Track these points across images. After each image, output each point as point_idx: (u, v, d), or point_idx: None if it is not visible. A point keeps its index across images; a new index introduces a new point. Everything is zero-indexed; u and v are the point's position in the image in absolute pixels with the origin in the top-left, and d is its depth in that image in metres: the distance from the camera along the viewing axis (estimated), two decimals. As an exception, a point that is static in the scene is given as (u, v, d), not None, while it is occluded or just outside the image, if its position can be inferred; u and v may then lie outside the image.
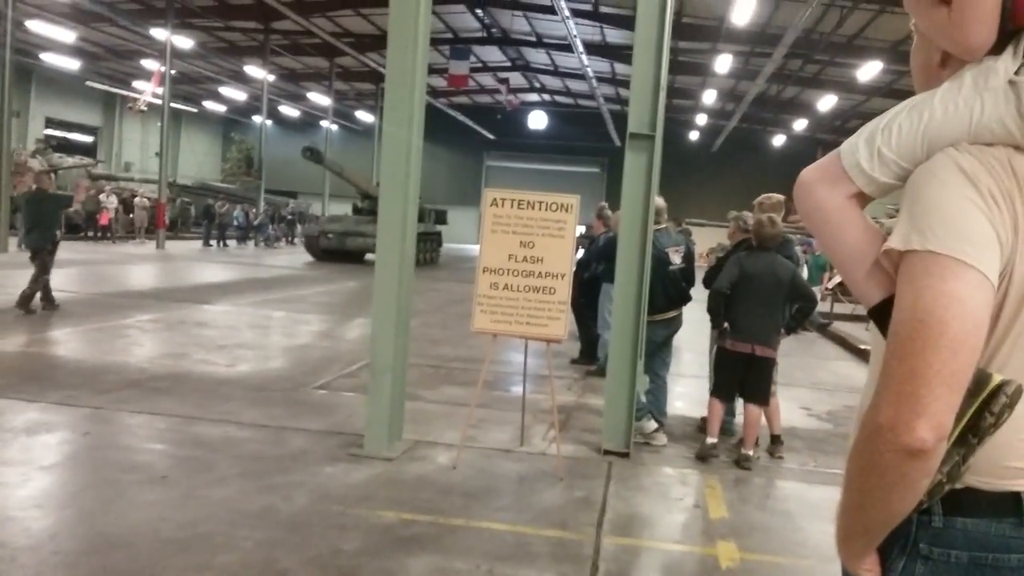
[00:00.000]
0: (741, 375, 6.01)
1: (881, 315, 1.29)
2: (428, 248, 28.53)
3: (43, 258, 11.21)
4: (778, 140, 44.18)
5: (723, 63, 28.38)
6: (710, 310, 6.19)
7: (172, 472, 5.08)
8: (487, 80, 42.68)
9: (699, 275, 6.99)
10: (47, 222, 11.35)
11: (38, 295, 11.28)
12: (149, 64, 36.28)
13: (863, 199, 1.37)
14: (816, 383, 9.72)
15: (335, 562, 3.90)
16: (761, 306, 5.92)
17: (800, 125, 40.07)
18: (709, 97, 36.81)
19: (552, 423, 6.20)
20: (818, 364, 11.43)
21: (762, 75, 27.67)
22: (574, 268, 9.80)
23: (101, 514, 4.33)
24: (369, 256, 24.57)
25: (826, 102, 33.00)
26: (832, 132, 38.89)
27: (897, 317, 1.19)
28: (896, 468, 1.16)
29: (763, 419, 6.15)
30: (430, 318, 13.43)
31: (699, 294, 6.87)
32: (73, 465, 5.18)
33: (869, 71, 26.11)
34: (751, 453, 5.97)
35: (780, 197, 6.59)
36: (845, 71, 28.99)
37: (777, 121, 41.96)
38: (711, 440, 6.09)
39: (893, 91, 28.78)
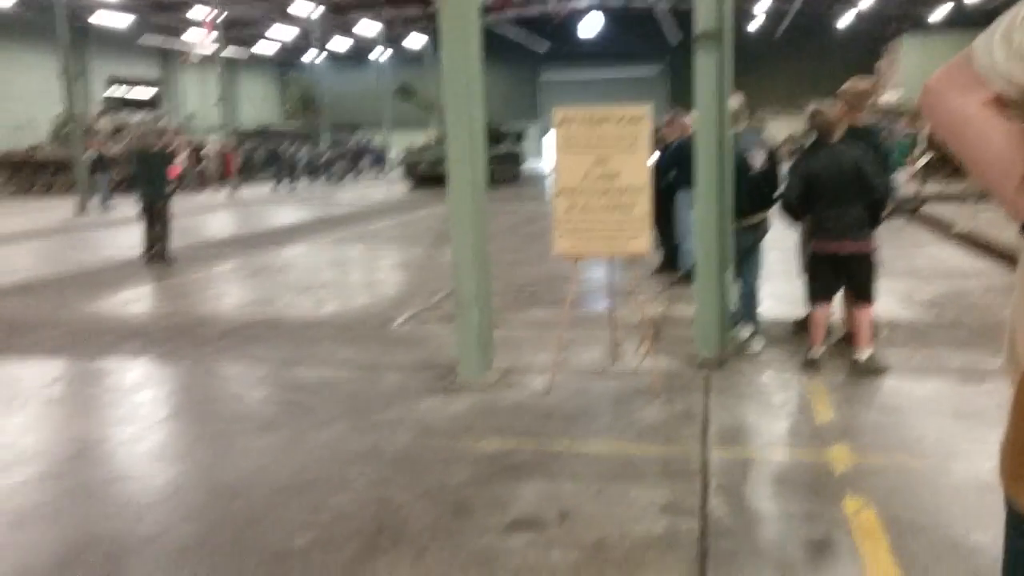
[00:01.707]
0: (836, 276, 5.78)
1: None
2: (509, 167, 31.07)
3: (159, 210, 11.86)
4: (844, 21, 42.08)
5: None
6: (787, 216, 5.95)
7: (277, 418, 5.20)
8: (535, -10, 41.48)
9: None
10: (156, 176, 11.97)
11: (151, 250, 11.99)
12: (198, 13, 36.29)
13: (1004, 104, 1.21)
14: (913, 270, 9.39)
15: (446, 494, 3.96)
16: (834, 203, 5.62)
17: (866, 2, 38.00)
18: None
19: (643, 337, 6.13)
20: (913, 250, 11.03)
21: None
22: (652, 175, 9.61)
23: (216, 465, 4.47)
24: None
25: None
26: (901, 5, 36.86)
27: None
28: None
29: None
30: (504, 241, 13.39)
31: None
32: (183, 418, 5.35)
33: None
34: (864, 356, 5.72)
35: (866, 85, 6.23)
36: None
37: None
38: (816, 351, 5.87)
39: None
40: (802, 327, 6.73)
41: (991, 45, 1.20)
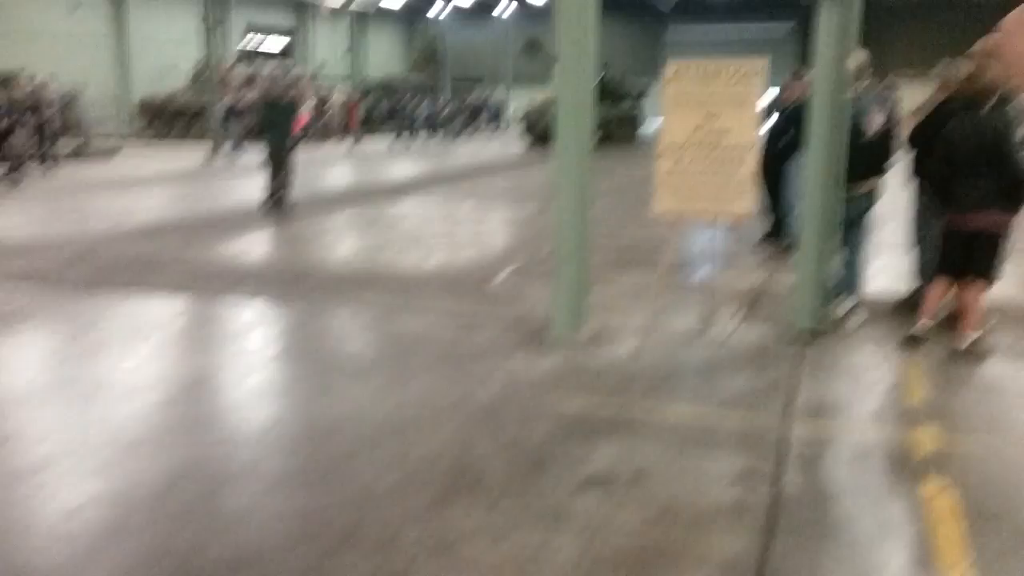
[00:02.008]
0: (964, 251, 5.48)
1: None
2: (627, 128, 30.95)
3: (283, 159, 12.23)
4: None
5: None
6: (932, 186, 5.67)
7: (375, 364, 5.44)
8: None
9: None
10: (281, 125, 12.38)
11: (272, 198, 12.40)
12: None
13: None
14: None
15: (527, 448, 4.06)
16: (967, 175, 5.32)
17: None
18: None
19: (739, 306, 6.04)
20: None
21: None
22: (768, 137, 9.33)
23: (315, 404, 4.72)
24: None
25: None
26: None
27: None
28: None
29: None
30: (612, 202, 13.31)
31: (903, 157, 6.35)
32: (289, 359, 5.65)
33: None
34: (967, 342, 5.44)
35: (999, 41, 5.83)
36: None
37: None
38: (924, 326, 5.63)
39: None
40: (907, 304, 6.48)
41: None
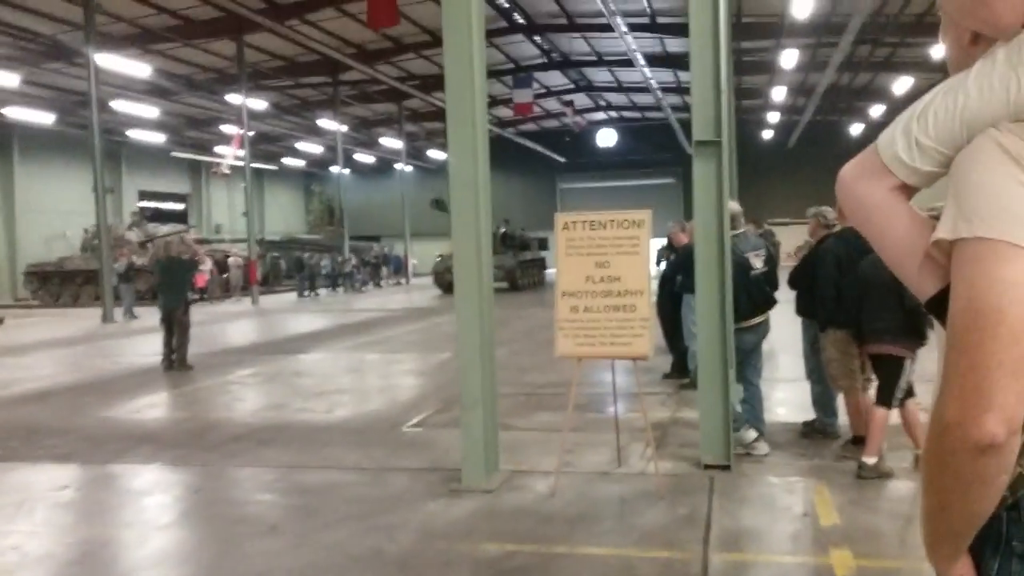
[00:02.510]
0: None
1: (939, 307, 1.24)
2: (533, 273, 32.44)
3: (179, 318, 12.09)
4: (856, 129, 42.94)
5: (789, 58, 27.81)
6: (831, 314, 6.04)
7: (282, 521, 5.22)
8: (552, 104, 42.92)
9: (783, 277, 6.85)
10: (179, 285, 12.37)
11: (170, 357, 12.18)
12: (228, 129, 37.73)
13: (907, 191, 1.33)
14: (926, 375, 9.33)
15: (443, 598, 3.94)
16: (879, 306, 5.62)
17: (877, 111, 38.90)
18: (779, 94, 36.08)
19: (648, 441, 6.14)
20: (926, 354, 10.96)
21: (831, 65, 26.98)
22: (659, 282, 9.80)
23: (218, 568, 4.49)
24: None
25: (902, 84, 31.97)
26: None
27: (953, 308, 1.15)
28: (970, 466, 1.11)
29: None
30: (516, 346, 13.49)
31: (783, 295, 6.73)
32: (188, 522, 5.38)
33: (943, 47, 25.13)
34: (870, 460, 5.62)
35: None
36: (918, 50, 28.10)
37: (852, 110, 40.87)
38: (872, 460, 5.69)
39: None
40: (807, 432, 6.73)
41: (893, 138, 1.32)
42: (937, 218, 1.24)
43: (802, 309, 6.67)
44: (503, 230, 31.63)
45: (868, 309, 5.65)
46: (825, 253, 6.25)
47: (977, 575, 1.25)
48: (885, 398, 5.62)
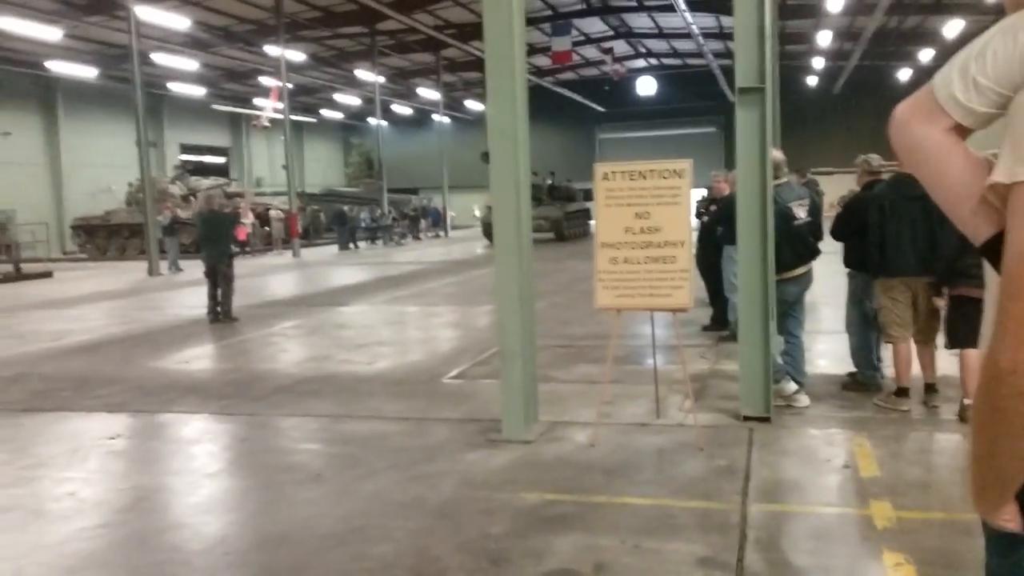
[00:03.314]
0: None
1: (993, 251, 1.22)
2: (578, 224, 32.75)
3: (223, 271, 12.28)
4: (904, 75, 41.74)
5: (836, 0, 27.02)
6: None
7: (325, 470, 5.34)
8: (591, 52, 42.31)
9: (827, 226, 6.74)
10: (222, 239, 12.53)
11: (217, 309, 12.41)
12: (267, 81, 37.83)
13: (963, 132, 1.29)
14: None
15: (484, 546, 4.01)
16: (971, 250, 5.45)
17: (927, 56, 37.67)
18: (824, 39, 35.07)
19: (687, 393, 6.13)
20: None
21: (879, 7, 26.18)
22: (700, 233, 9.70)
23: (264, 515, 4.61)
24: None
25: (952, 27, 30.85)
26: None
27: (1009, 254, 1.13)
28: (1022, 413, 1.10)
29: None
30: (557, 298, 13.50)
31: (828, 247, 6.63)
32: (235, 470, 5.52)
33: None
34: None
35: None
36: (971, -10, 27.09)
37: (901, 55, 39.65)
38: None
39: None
40: (848, 385, 6.67)
41: (950, 77, 1.28)
42: (993, 162, 1.21)
43: (848, 259, 6.54)
44: (549, 182, 31.90)
45: (962, 251, 5.45)
46: (870, 200, 6.13)
47: (1023, 521, 1.25)
48: (974, 340, 5.52)
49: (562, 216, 30.96)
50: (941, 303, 5.78)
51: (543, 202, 30.54)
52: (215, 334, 11.43)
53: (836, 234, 6.56)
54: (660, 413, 6.17)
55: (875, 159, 6.51)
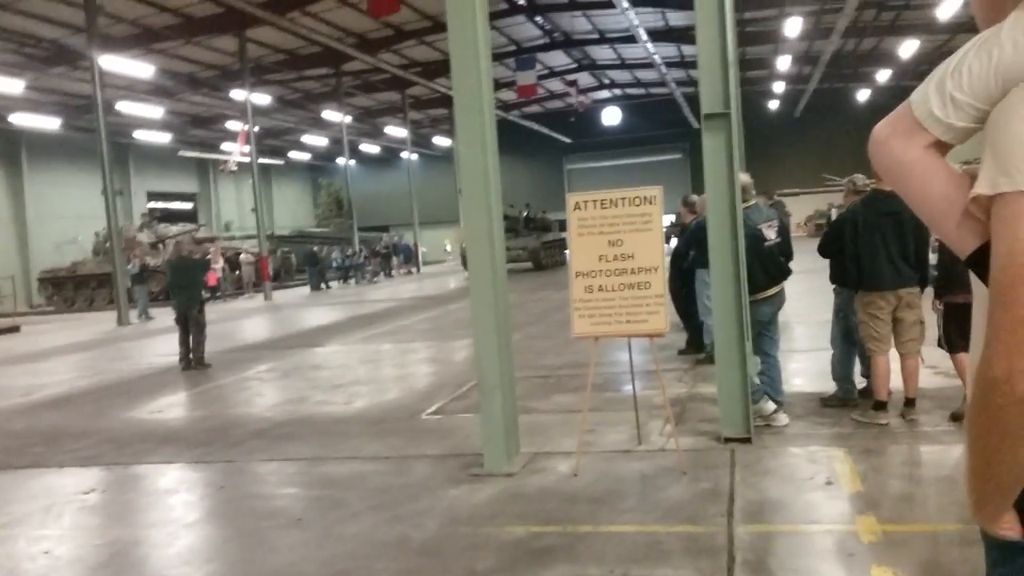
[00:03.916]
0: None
1: (979, 263, 1.23)
2: (555, 253, 33.12)
3: (195, 317, 12.18)
4: (863, 95, 42.59)
5: (793, 26, 27.60)
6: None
7: (306, 514, 5.25)
8: (556, 85, 42.80)
9: (807, 246, 6.80)
10: (193, 285, 12.44)
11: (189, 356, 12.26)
12: (233, 125, 37.78)
13: (942, 148, 1.31)
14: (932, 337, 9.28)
15: (471, 583, 3.96)
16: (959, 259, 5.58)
17: (884, 76, 38.53)
18: (784, 63, 35.79)
19: (667, 417, 6.13)
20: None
21: (836, 31, 26.78)
22: (668, 259, 9.78)
23: (246, 563, 4.52)
24: (508, 266, 27.34)
25: (908, 48, 31.63)
26: (918, 78, 37.11)
27: (996, 265, 1.14)
28: (1019, 421, 1.11)
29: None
30: (532, 329, 13.50)
31: (800, 266, 6.69)
32: (214, 519, 5.42)
33: (949, 8, 24.91)
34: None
35: None
36: (923, 12, 27.77)
37: (859, 76, 40.51)
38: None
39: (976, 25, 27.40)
40: (828, 402, 6.72)
41: (927, 94, 1.30)
42: (974, 175, 1.23)
43: (833, 275, 6.62)
44: (525, 213, 32.52)
45: (955, 259, 5.50)
46: (846, 218, 6.24)
47: (1022, 528, 1.25)
48: (966, 344, 5.56)
49: (539, 246, 31.83)
50: (938, 309, 5.96)
51: (520, 233, 31.46)
52: (188, 381, 11.28)
53: (822, 251, 6.63)
54: (641, 439, 6.16)
55: (860, 178, 6.62)
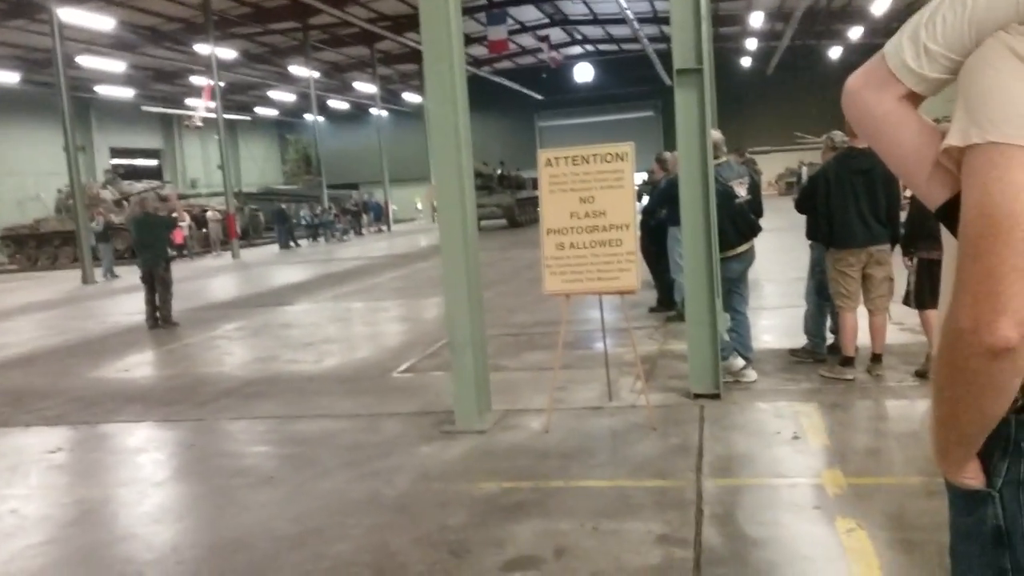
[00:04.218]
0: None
1: (949, 215, 1.23)
2: (530, 210, 32.30)
3: (161, 275, 12.03)
4: (835, 53, 42.58)
5: (765, -19, 27.44)
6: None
7: (278, 471, 5.24)
8: (527, 41, 42.30)
9: (777, 203, 6.83)
10: (158, 242, 12.26)
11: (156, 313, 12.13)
12: (198, 80, 37.02)
13: (915, 99, 1.30)
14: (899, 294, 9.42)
15: (444, 537, 3.98)
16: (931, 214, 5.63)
17: (856, 33, 38.46)
18: (756, 19, 35.60)
19: (637, 374, 6.18)
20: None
21: (808, -13, 26.64)
22: (640, 217, 9.77)
23: (217, 520, 4.51)
24: (483, 223, 29.95)
25: (880, 4, 31.55)
26: (890, 35, 37.03)
27: (966, 216, 1.14)
28: (984, 371, 1.12)
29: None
30: (503, 287, 13.50)
31: (770, 223, 6.72)
32: (184, 477, 5.39)
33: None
34: None
35: None
36: (896, -32, 27.75)
37: (831, 33, 40.47)
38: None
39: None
40: (802, 352, 6.80)
41: (901, 45, 1.28)
42: (945, 129, 1.22)
43: (809, 231, 6.65)
44: (499, 171, 32.48)
45: (927, 215, 5.53)
46: (819, 175, 6.25)
47: (985, 478, 1.27)
48: (935, 301, 5.62)
49: (514, 203, 31.91)
50: (909, 265, 5.98)
51: (494, 190, 31.48)
52: (155, 340, 11.16)
53: (799, 206, 6.65)
54: (612, 396, 6.20)
55: (838, 135, 6.60)
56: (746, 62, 44.93)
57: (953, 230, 1.20)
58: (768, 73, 44.90)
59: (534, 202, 33.81)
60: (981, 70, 1.17)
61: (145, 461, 5.78)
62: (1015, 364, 1.11)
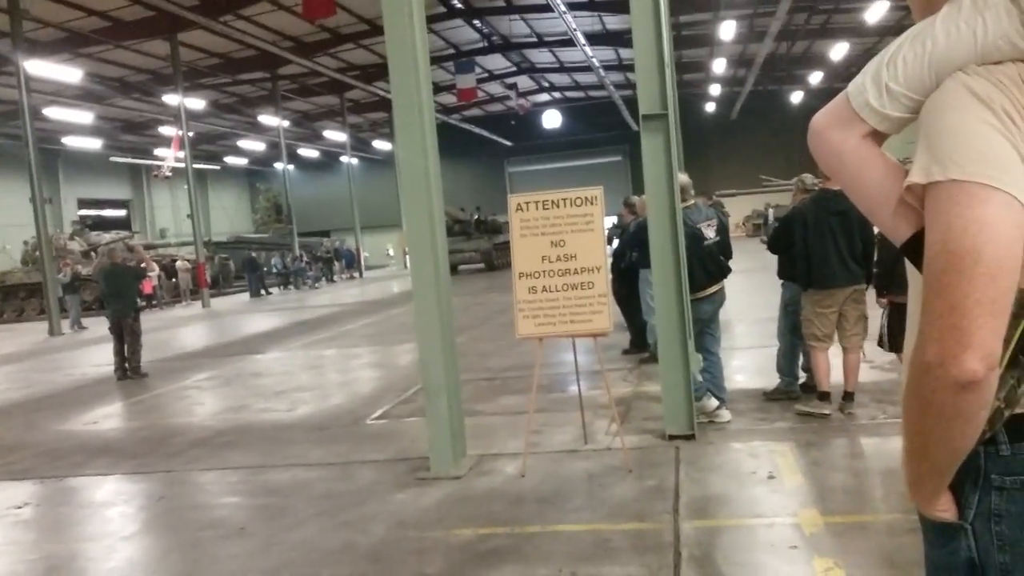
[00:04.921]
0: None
1: (914, 251, 1.27)
2: (507, 254, 31.55)
3: (129, 326, 11.90)
4: (796, 97, 43.55)
5: (727, 29, 28.10)
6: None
7: (250, 523, 5.16)
8: (495, 88, 42.91)
9: (746, 245, 6.93)
10: (127, 292, 12.15)
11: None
12: (167, 130, 36.96)
13: (878, 137, 1.34)
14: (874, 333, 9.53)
15: (420, 587, 3.93)
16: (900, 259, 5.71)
17: (816, 78, 39.45)
18: (719, 66, 36.44)
19: (613, 416, 6.18)
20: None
21: (769, 35, 27.36)
22: (610, 259, 9.86)
23: (188, 574, 4.41)
24: (461, 267, 31.99)
25: (838, 50, 32.47)
26: (848, 80, 37.94)
27: (929, 252, 1.17)
28: (951, 404, 1.14)
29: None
30: (476, 332, 13.48)
31: (739, 265, 6.81)
32: (153, 531, 5.28)
33: (877, 12, 25.66)
34: None
35: None
36: (853, 16, 28.56)
37: (792, 78, 41.45)
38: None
39: (904, 28, 28.18)
40: (776, 393, 6.84)
41: (863, 85, 1.33)
42: (908, 169, 1.26)
43: (781, 271, 6.74)
44: (476, 216, 33.19)
45: (899, 261, 5.61)
46: (795, 216, 6.35)
47: (958, 510, 1.29)
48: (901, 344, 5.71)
49: (491, 248, 32.78)
50: (883, 304, 6.06)
51: (472, 236, 32.31)
52: (124, 391, 10.99)
53: (772, 246, 6.75)
54: (587, 438, 6.19)
55: (809, 178, 6.72)
56: (711, 107, 45.78)
57: (918, 265, 1.23)
58: (732, 118, 45.74)
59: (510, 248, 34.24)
60: (941, 109, 1.22)
61: (114, 515, 5.66)
62: (982, 396, 1.13)
